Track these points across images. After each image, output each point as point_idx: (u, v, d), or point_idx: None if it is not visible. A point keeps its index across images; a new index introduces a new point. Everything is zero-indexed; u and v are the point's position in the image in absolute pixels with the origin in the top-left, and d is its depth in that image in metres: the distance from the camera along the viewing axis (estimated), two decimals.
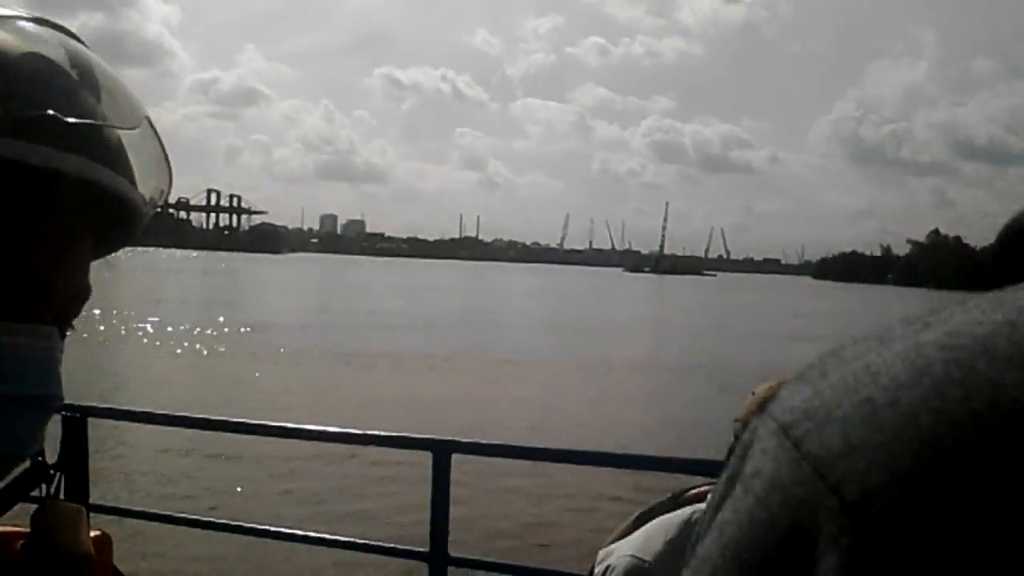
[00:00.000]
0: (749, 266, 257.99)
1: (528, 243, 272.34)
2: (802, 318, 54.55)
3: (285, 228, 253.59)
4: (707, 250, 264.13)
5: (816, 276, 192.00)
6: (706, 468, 2.01)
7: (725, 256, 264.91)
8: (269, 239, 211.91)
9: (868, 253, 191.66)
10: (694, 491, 1.82)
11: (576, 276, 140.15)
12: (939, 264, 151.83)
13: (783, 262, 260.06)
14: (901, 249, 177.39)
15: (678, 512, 1.77)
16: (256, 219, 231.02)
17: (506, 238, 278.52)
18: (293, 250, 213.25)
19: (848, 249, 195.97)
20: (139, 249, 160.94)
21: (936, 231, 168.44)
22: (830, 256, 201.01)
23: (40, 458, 1.15)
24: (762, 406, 1.28)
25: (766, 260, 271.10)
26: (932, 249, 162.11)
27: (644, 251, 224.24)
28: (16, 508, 1.00)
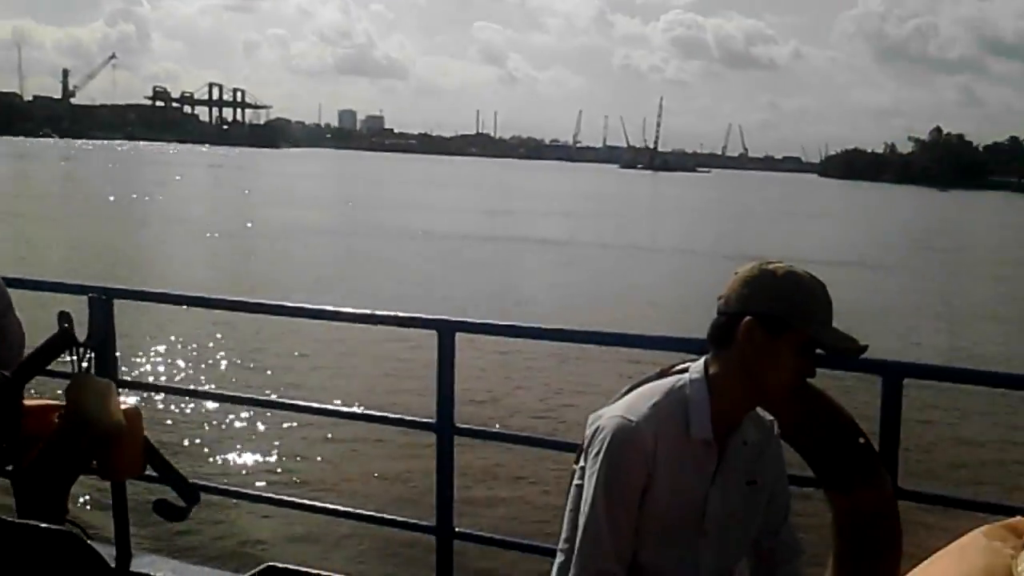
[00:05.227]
0: (767, 164, 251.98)
1: (547, 141, 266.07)
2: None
3: (302, 123, 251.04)
4: (725, 147, 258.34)
5: (821, 174, 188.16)
6: (692, 345, 2.15)
7: (744, 153, 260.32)
8: (268, 134, 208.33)
9: (870, 150, 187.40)
10: (680, 365, 1.99)
11: (564, 172, 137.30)
12: (935, 162, 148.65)
13: (803, 160, 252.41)
14: (906, 147, 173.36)
15: (662, 380, 1.96)
16: (271, 114, 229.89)
17: (524, 135, 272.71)
18: (295, 145, 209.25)
19: (870, 148, 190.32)
20: (142, 144, 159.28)
21: (938, 128, 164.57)
22: (834, 154, 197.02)
23: (67, 326, 1.38)
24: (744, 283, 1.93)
25: (786, 158, 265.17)
26: (932, 147, 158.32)
27: (662, 149, 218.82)
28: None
